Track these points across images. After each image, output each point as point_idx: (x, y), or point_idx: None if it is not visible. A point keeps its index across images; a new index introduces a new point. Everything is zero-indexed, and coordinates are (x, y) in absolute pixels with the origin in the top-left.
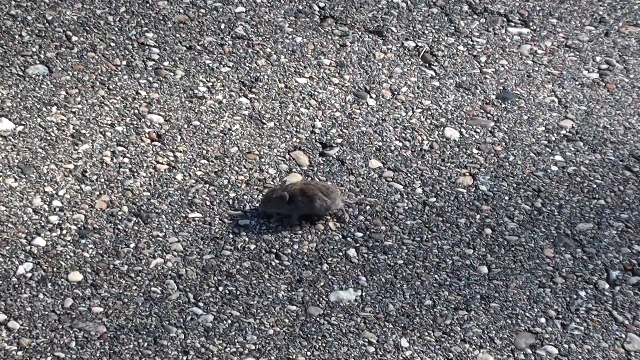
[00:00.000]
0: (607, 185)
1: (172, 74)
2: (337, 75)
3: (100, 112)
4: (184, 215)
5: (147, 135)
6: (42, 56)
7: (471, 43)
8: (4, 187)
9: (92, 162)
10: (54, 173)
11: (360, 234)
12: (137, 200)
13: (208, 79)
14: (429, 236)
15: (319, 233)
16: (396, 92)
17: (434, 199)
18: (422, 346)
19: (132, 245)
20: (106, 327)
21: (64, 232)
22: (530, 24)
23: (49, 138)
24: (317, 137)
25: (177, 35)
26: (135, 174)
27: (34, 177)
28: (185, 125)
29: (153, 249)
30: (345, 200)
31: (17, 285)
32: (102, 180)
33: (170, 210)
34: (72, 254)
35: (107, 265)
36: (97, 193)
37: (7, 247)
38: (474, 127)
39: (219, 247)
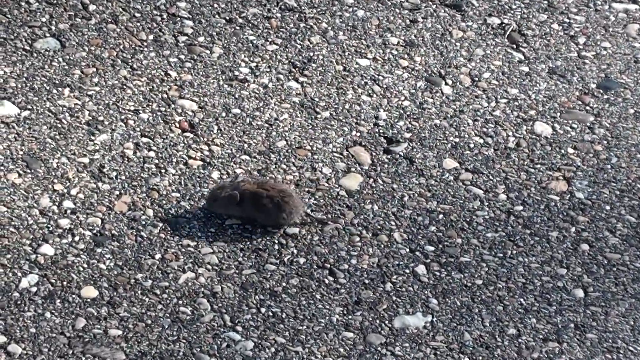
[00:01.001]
0: None
1: (208, 51)
2: (406, 56)
3: (121, 95)
4: (219, 221)
5: (178, 125)
6: (53, 28)
7: (567, 21)
8: (6, 183)
9: (111, 156)
10: (65, 168)
11: (432, 248)
12: (164, 202)
13: (251, 59)
14: (514, 252)
15: (382, 246)
16: (477, 79)
17: (521, 208)
18: None
19: (158, 256)
20: (125, 353)
21: (77, 238)
22: None
23: (59, 126)
24: (381, 131)
25: (215, 5)
26: (163, 170)
27: (42, 173)
28: (223, 114)
29: (182, 261)
30: (307, 212)
31: (19, 302)
32: (123, 177)
33: (203, 215)
34: (85, 265)
35: (127, 280)
36: (117, 193)
37: (9, 256)
38: (570, 121)
39: (262, 260)
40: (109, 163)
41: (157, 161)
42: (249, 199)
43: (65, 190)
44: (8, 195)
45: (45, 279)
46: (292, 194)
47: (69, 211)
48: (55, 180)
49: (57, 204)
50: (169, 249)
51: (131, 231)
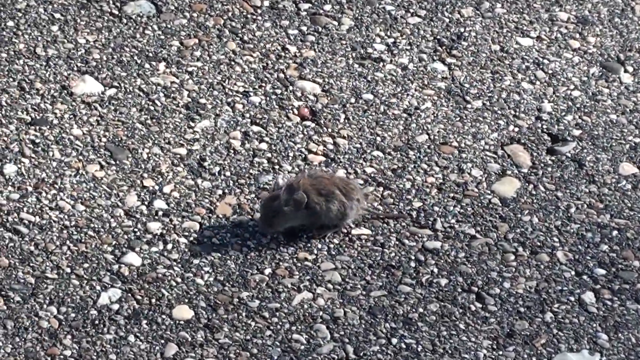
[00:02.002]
0: None
1: (335, 23)
2: (577, 36)
3: (228, 73)
4: (345, 230)
5: (296, 111)
6: None
7: None
8: (85, 177)
9: (214, 147)
10: (157, 160)
11: (603, 271)
12: None
13: (388, 33)
14: None
15: (542, 267)
16: None
17: None
18: None
19: (267, 271)
20: None
21: (169, 246)
22: None
23: (152, 109)
24: (544, 126)
25: None
26: (277, 166)
27: (129, 165)
28: (352, 100)
29: (297, 279)
30: (366, 206)
31: (97, 322)
32: (228, 173)
33: None
34: (179, 280)
35: (229, 299)
36: (220, 192)
37: (86, 265)
38: None
39: (395, 279)
40: (211, 155)
41: (269, 155)
42: (314, 194)
43: (156, 187)
44: (87, 192)
45: (129, 294)
46: (352, 182)
47: (160, 213)
48: (145, 175)
49: (146, 203)
50: (281, 263)
51: (236, 239)
